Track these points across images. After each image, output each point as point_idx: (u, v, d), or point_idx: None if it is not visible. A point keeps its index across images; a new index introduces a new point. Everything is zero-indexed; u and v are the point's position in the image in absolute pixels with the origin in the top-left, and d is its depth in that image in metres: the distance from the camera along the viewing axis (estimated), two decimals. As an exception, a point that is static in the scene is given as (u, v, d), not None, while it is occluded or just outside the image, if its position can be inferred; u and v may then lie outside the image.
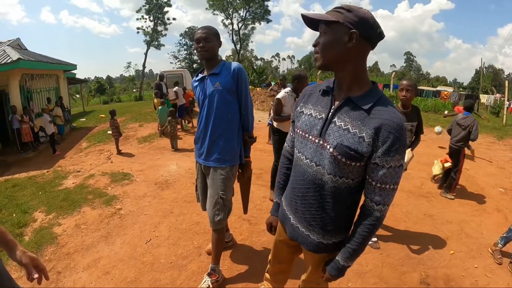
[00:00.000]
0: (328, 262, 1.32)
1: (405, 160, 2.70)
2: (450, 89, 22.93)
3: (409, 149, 2.93)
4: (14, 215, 3.82)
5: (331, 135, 1.15)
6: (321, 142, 1.19)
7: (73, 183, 4.89)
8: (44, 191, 4.61)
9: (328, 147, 1.16)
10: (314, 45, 1.17)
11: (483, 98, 15.87)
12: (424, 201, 4.23)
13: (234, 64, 2.14)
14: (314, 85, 1.37)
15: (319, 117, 1.23)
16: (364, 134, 1.08)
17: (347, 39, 1.08)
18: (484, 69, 43.87)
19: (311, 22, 1.18)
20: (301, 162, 1.29)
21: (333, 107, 1.19)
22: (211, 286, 2.23)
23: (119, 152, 6.70)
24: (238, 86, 2.12)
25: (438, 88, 23.33)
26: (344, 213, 1.25)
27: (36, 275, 1.04)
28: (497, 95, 18.81)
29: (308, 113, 1.28)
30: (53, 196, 4.32)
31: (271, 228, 1.65)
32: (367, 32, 1.09)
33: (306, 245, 1.35)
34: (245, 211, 2.62)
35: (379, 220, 1.16)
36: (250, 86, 9.82)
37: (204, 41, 2.04)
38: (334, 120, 1.17)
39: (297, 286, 1.89)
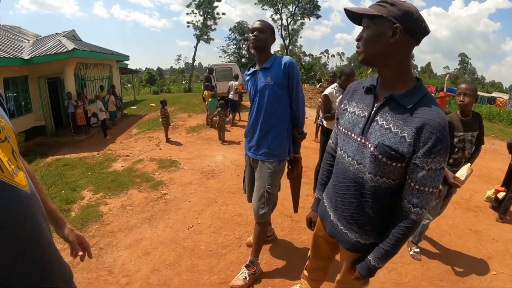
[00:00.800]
0: (359, 261, 1.31)
1: (464, 177, 2.49)
2: (506, 96, 21.02)
3: (468, 164, 2.64)
4: (63, 191, 4.09)
5: (372, 134, 1.15)
6: (363, 140, 1.19)
7: (121, 166, 5.15)
8: (93, 172, 4.89)
9: (369, 146, 1.15)
10: (358, 40, 1.15)
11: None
12: (471, 215, 3.98)
13: (286, 58, 2.12)
14: (358, 82, 1.35)
15: (362, 115, 1.22)
16: (405, 134, 1.06)
17: (390, 34, 1.06)
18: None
19: (354, 16, 1.16)
20: (343, 160, 1.30)
21: (375, 105, 1.18)
22: (247, 278, 2.28)
23: (167, 140, 6.97)
24: (289, 80, 2.11)
25: (493, 94, 21.52)
26: (383, 214, 1.24)
27: (80, 253, 1.09)
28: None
29: (352, 110, 1.27)
30: (101, 177, 4.57)
31: (310, 224, 1.68)
32: (411, 26, 1.06)
33: (343, 244, 1.36)
34: (296, 209, 2.60)
35: (415, 223, 1.13)
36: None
37: (258, 31, 2.08)
38: (376, 118, 1.15)
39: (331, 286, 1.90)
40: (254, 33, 2.08)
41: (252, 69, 2.25)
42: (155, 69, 63.58)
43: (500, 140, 9.65)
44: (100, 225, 3.14)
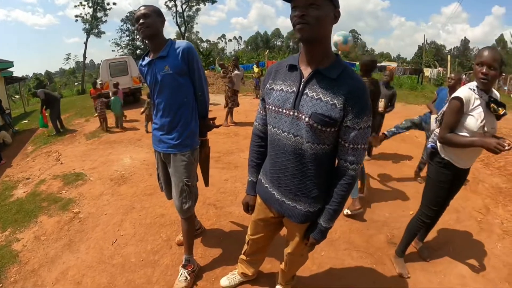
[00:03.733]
0: (310, 229, 1.41)
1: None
2: (394, 64, 24.35)
3: None
4: (-36, 239, 3.43)
5: (304, 106, 1.23)
6: (296, 113, 1.26)
7: (24, 192, 4.51)
8: (-5, 206, 4.20)
9: (303, 117, 1.23)
10: (302, 15, 1.12)
11: (427, 72, 17.14)
12: (381, 169, 4.52)
13: (183, 44, 1.99)
14: (278, 63, 1.42)
15: (290, 91, 1.28)
16: (335, 101, 1.18)
17: (333, 16, 1.17)
18: (427, 45, 47.12)
19: None
20: (278, 137, 1.34)
21: (303, 80, 1.25)
22: (188, 277, 2.21)
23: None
24: (190, 67, 2.00)
25: (383, 63, 24.67)
26: (325, 178, 1.34)
27: None
28: (440, 68, 20.39)
29: (279, 88, 1.33)
30: (5, 210, 3.97)
31: (248, 208, 1.69)
32: (339, 10, 1.19)
33: (294, 218, 1.42)
34: (206, 183, 2.60)
35: (354, 178, 1.27)
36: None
37: (143, 17, 1.90)
38: (305, 91, 1.24)
39: (273, 266, 1.96)
40: (140, 21, 1.90)
41: (147, 59, 2.06)
42: (43, 73, 57.32)
43: (398, 102, 11.17)
44: (19, 266, 2.73)
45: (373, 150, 5.15)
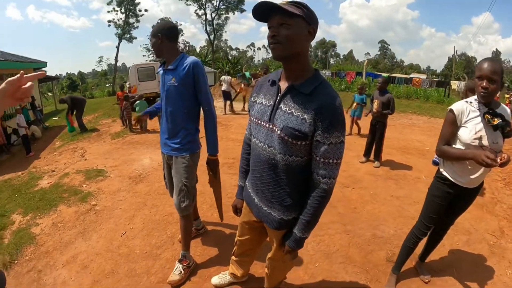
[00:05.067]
0: (287, 236, 1.45)
1: None
2: (423, 76, 23.61)
3: None
4: (-9, 219, 3.75)
5: (278, 119, 1.29)
6: (270, 126, 1.33)
7: (48, 183, 4.84)
8: (20, 193, 4.56)
9: (276, 130, 1.30)
10: (273, 36, 1.18)
11: (454, 85, 16.54)
12: (391, 183, 4.41)
13: (190, 59, 2.15)
14: (265, 77, 1.49)
15: (268, 104, 1.36)
16: (305, 116, 1.21)
17: (307, 34, 1.21)
18: (457, 56, 45.38)
19: (263, 12, 1.20)
20: (256, 146, 1.43)
21: (279, 94, 1.32)
22: (182, 272, 2.32)
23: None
24: (196, 80, 2.14)
25: (412, 75, 24.01)
26: (299, 188, 1.38)
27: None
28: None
29: (260, 101, 1.42)
30: (29, 198, 4.29)
31: (236, 210, 1.78)
32: (316, 27, 1.24)
33: (269, 223, 1.48)
34: (221, 218, 2.72)
35: (327, 192, 1.29)
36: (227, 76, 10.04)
37: (153, 37, 2.13)
38: (280, 106, 1.30)
39: (264, 271, 2.02)
40: (153, 41, 2.14)
41: (162, 68, 2.27)
42: (76, 73, 59.88)
43: (418, 115, 10.84)
44: (35, 247, 2.98)
45: (381, 156, 5.20)
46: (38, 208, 3.87)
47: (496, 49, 67.49)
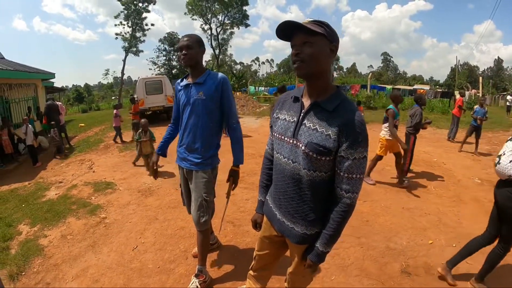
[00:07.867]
0: (308, 251, 1.43)
1: None
2: (427, 87, 23.70)
3: None
4: (-2, 229, 3.72)
5: (302, 135, 1.31)
6: (294, 142, 1.34)
7: (56, 194, 4.83)
8: (27, 203, 4.54)
9: (300, 145, 1.31)
10: (297, 54, 1.23)
11: (458, 95, 16.62)
12: (403, 195, 4.39)
13: (219, 75, 2.20)
14: (287, 93, 1.52)
15: (291, 120, 1.38)
16: (330, 132, 1.24)
17: (329, 52, 1.24)
18: (460, 66, 45.66)
19: (286, 31, 1.25)
20: (280, 161, 1.43)
21: (303, 111, 1.34)
22: (199, 286, 2.29)
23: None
24: (222, 97, 2.19)
25: (415, 86, 24.09)
26: (322, 203, 1.37)
27: None
28: (472, 91, 19.63)
29: (283, 118, 1.43)
30: (36, 208, 4.27)
31: (256, 225, 1.77)
32: (338, 45, 1.27)
33: (292, 238, 1.46)
34: (220, 229, 2.82)
35: (350, 206, 1.29)
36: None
37: (186, 49, 2.11)
38: (304, 122, 1.32)
39: (281, 285, 1.99)
40: (183, 52, 2.12)
41: (185, 81, 2.28)
42: (82, 85, 60.34)
43: (429, 127, 10.79)
44: (43, 259, 2.94)
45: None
46: (46, 219, 3.85)
47: (498, 57, 67.52)
